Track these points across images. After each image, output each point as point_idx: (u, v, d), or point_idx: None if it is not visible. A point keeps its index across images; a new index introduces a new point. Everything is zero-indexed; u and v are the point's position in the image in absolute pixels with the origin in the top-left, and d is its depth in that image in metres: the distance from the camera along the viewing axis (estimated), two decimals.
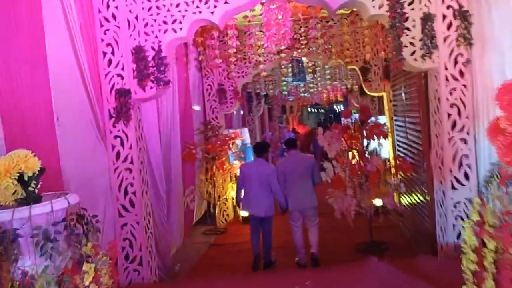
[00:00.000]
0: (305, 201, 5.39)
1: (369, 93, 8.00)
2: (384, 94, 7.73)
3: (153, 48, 4.11)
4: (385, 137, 5.34)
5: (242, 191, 5.68)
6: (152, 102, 5.19)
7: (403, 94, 6.07)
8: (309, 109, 30.19)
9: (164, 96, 6.06)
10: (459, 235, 3.93)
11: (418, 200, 5.48)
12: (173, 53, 4.37)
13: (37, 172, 2.02)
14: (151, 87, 4.11)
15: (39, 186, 2.07)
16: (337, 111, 35.69)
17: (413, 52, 4.03)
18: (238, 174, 7.57)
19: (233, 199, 7.86)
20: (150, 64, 4.10)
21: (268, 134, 13.66)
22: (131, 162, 4.15)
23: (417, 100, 5.21)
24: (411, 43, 4.03)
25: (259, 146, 5.86)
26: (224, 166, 7.44)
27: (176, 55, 6.35)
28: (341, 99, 17.39)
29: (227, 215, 8.10)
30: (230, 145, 7.53)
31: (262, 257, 5.59)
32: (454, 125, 4.00)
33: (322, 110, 35.41)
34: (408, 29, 4.02)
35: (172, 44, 4.21)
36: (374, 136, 5.37)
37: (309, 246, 5.47)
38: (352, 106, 16.37)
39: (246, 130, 9.19)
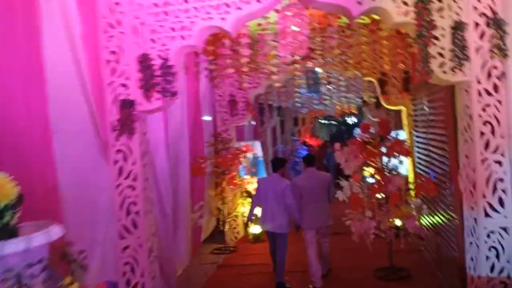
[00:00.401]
0: (320, 220, 5.43)
1: (386, 106, 7.62)
2: (403, 107, 7.36)
3: (160, 57, 3.82)
4: (408, 155, 4.96)
5: (256, 206, 5.74)
6: (159, 112, 4.90)
7: (425, 108, 5.71)
8: (321, 121, 29.86)
9: (173, 106, 5.79)
10: (492, 268, 3.54)
11: (443, 224, 5.09)
12: (181, 62, 4.08)
13: (15, 200, 1.72)
14: (157, 98, 3.81)
15: (17, 216, 1.76)
16: (350, 124, 35.33)
17: (442, 64, 3.67)
18: (248, 189, 7.28)
19: (243, 215, 7.53)
20: (156, 74, 3.81)
21: (279, 147, 13.33)
22: (135, 179, 3.85)
23: (442, 115, 4.84)
24: (440, 54, 3.67)
25: (276, 161, 5.99)
26: (235, 181, 7.11)
27: (186, 64, 6.11)
28: (355, 111, 17.03)
29: (237, 232, 7.75)
30: (241, 159, 7.21)
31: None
32: (487, 145, 3.62)
33: (334, 122, 35.05)
34: (436, 38, 3.67)
35: (180, 52, 3.92)
36: (395, 153, 5.00)
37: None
38: (367, 119, 16.01)
39: (257, 143, 8.89)
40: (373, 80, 7.48)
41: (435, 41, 3.67)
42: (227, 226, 7.40)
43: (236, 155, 7.08)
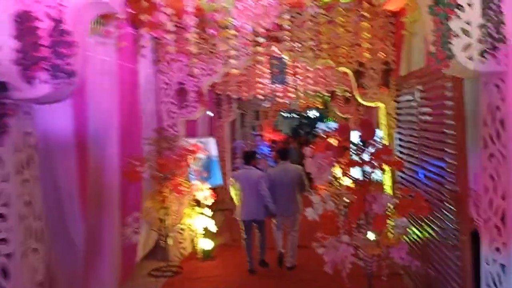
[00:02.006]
0: (290, 208, 5.87)
1: (361, 102, 6.55)
2: (380, 104, 6.31)
3: (49, 17, 2.49)
4: (400, 168, 3.85)
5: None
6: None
7: (416, 107, 4.64)
8: (284, 115, 28.90)
9: (95, 93, 4.43)
10: None
11: (437, 257, 4.05)
12: (85, 28, 2.73)
13: None
14: (44, 81, 2.48)
15: None
16: (312, 118, 34.59)
17: (468, 46, 2.56)
18: (198, 197, 6.07)
19: (191, 229, 6.26)
20: (43, 42, 2.48)
21: (239, 143, 12.10)
22: (6, 204, 2.50)
23: (445, 117, 3.77)
24: (465, 32, 2.56)
25: (247, 155, 6.36)
26: (180, 188, 5.81)
27: (120, 38, 4.76)
28: (320, 106, 16.04)
29: (184, 248, 6.47)
30: (190, 161, 5.92)
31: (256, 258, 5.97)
32: None
33: (297, 116, 34.22)
34: (460, 7, 2.55)
35: (83, 12, 2.60)
36: (382, 164, 3.88)
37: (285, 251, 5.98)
38: (333, 115, 15.04)
39: (212, 140, 7.59)
40: (348, 71, 6.37)
41: (458, 11, 2.55)
42: (170, 241, 6.10)
43: (182, 156, 5.77)
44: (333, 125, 16.55)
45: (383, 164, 3.85)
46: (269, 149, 11.74)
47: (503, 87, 2.60)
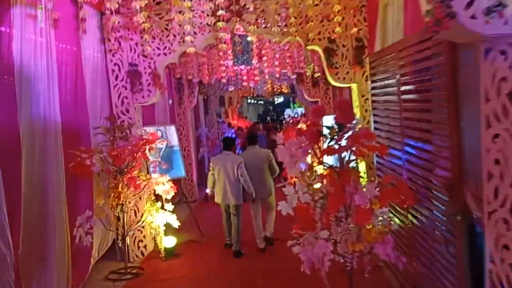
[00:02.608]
0: (263, 190, 6.03)
1: (333, 84, 6.10)
2: (353, 85, 5.89)
3: None
4: (383, 152, 3.40)
5: (213, 182, 6.08)
6: None
7: (394, 86, 4.22)
8: (249, 101, 28.42)
9: (24, 79, 3.76)
10: None
11: (425, 252, 3.68)
12: None
13: None
14: None
15: None
16: (277, 103, 34.28)
17: (471, 2, 2.11)
18: (158, 191, 5.50)
19: (151, 226, 5.67)
20: None
21: (203, 131, 11.49)
22: None
23: (432, 93, 3.36)
24: None
25: (226, 141, 6.27)
26: (137, 182, 5.20)
27: (58, 13, 4.10)
28: (286, 91, 15.61)
29: (144, 247, 5.88)
30: (146, 152, 5.30)
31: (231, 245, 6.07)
32: None
33: (262, 102, 33.81)
34: None
35: None
36: (364, 150, 3.43)
37: (264, 229, 6.15)
38: (299, 100, 14.64)
39: (172, 128, 6.97)
40: (317, 49, 5.89)
41: None
42: (129, 241, 5.51)
43: (138, 146, 5.15)
44: (300, 110, 16.19)
45: (364, 150, 3.40)
46: (236, 137, 11.19)
47: (511, 53, 2.17)
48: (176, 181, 6.90)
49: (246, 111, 25.65)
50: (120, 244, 5.30)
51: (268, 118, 24.68)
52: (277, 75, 9.62)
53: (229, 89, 10.50)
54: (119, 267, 5.44)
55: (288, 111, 19.14)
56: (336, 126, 3.74)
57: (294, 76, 10.01)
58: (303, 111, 14.81)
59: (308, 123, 8.04)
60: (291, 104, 25.79)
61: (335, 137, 3.67)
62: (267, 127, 13.94)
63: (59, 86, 4.53)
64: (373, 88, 5.05)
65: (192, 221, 7.06)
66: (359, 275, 3.77)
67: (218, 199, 6.03)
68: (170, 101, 9.03)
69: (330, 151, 3.51)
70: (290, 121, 11.89)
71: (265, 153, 6.20)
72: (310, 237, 3.56)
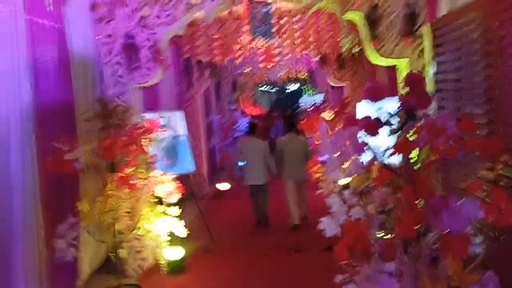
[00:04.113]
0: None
1: (377, 61, 4.96)
2: (403, 62, 4.73)
3: None
4: (496, 150, 2.29)
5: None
6: None
7: (473, 57, 3.08)
8: (261, 89, 27.28)
9: None
10: None
11: None
12: None
13: None
14: None
15: None
16: (289, 92, 33.03)
17: None
18: (159, 193, 4.46)
19: (150, 235, 4.63)
20: None
21: (215, 118, 10.44)
22: None
23: None
24: None
25: (252, 126, 7.04)
26: (133, 181, 4.15)
27: None
28: (303, 76, 14.40)
29: (143, 259, 4.84)
30: (144, 143, 4.24)
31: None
32: None
33: (273, 90, 32.61)
34: None
35: None
36: (454, 147, 2.31)
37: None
38: (319, 85, 13.44)
39: (178, 115, 5.89)
40: (356, 17, 4.76)
41: None
42: (123, 253, 4.49)
43: (133, 137, 4.09)
44: (318, 98, 15.00)
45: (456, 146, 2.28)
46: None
47: None
48: (184, 176, 5.91)
49: (258, 99, 24.52)
50: (113, 258, 4.30)
51: (282, 107, 23.49)
52: (298, 56, 8.46)
53: (244, 70, 9.38)
54: (113, 285, 4.44)
55: (305, 99, 17.96)
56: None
57: (315, 59, 8.83)
58: (323, 98, 13.64)
59: (338, 110, 6.94)
60: (305, 92, 24.57)
61: (404, 127, 2.60)
62: (285, 116, 12.86)
63: (33, 60, 3.50)
64: (439, 64, 3.89)
65: (202, 223, 6.04)
66: None
67: (247, 180, 6.67)
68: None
69: (406, 146, 2.41)
70: (310, 109, 10.77)
71: (302, 140, 6.79)
72: (371, 272, 2.48)
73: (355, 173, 2.59)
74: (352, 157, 2.57)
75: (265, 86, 26.24)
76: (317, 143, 8.18)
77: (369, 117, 2.62)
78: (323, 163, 8.22)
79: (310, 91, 21.92)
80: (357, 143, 2.54)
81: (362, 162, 2.58)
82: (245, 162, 6.64)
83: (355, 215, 2.67)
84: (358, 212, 2.67)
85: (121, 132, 4.16)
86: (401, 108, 2.63)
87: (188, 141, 6.01)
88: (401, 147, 2.43)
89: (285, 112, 15.87)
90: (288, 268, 4.88)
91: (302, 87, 24.79)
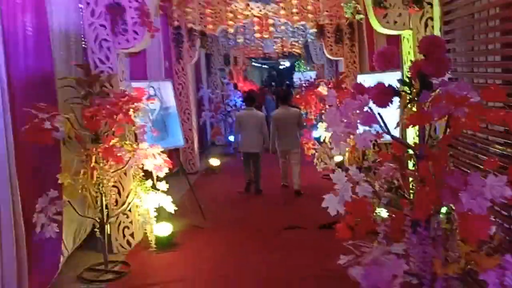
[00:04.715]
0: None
1: (380, 30, 4.66)
2: (407, 32, 4.45)
3: None
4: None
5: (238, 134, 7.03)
6: None
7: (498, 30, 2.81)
8: (254, 64, 26.83)
9: None
10: None
11: None
12: None
13: None
14: None
15: None
16: (281, 69, 32.59)
17: None
18: (147, 166, 4.21)
19: (137, 208, 4.38)
20: None
21: (206, 92, 10.10)
22: None
23: None
24: None
25: (248, 98, 7.23)
26: (119, 154, 3.87)
27: None
28: (298, 50, 14.08)
29: (131, 235, 4.62)
30: (132, 113, 3.94)
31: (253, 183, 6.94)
32: None
33: (266, 66, 32.17)
34: None
35: None
36: (474, 120, 2.07)
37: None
38: (315, 60, 13.11)
39: (168, 84, 5.56)
40: None
41: None
42: (109, 229, 4.25)
43: (118, 106, 3.78)
44: (312, 74, 14.70)
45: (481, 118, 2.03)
46: (242, 100, 9.86)
47: None
48: (173, 151, 5.65)
49: (250, 75, 24.11)
50: (98, 234, 4.05)
51: (274, 84, 23.12)
52: (293, 28, 8.12)
53: (238, 40, 8.95)
54: (97, 263, 4.21)
55: (298, 75, 17.64)
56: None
57: (312, 30, 8.48)
58: (316, 75, 13.37)
59: (337, 84, 6.67)
60: (297, 69, 24.18)
61: (419, 97, 2.35)
62: (278, 92, 12.58)
63: (2, 19, 3.15)
64: (446, 33, 3.61)
65: (192, 199, 5.82)
66: None
67: (241, 148, 6.87)
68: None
69: (422, 117, 2.17)
70: (305, 85, 10.50)
71: (295, 111, 6.94)
72: (378, 254, 2.27)
73: (364, 147, 2.34)
74: (361, 130, 2.33)
75: (257, 61, 25.80)
76: (312, 118, 7.97)
77: (382, 83, 2.37)
78: (318, 140, 8.03)
79: (303, 67, 21.58)
80: (367, 115, 2.28)
81: (372, 135, 2.33)
82: (241, 133, 6.77)
83: (362, 193, 2.43)
84: (365, 189, 2.43)
85: (105, 100, 3.84)
86: (414, 76, 2.38)
87: (178, 113, 5.71)
88: (416, 119, 2.19)
89: (278, 88, 15.59)
90: (284, 245, 4.68)
91: (295, 63, 24.42)
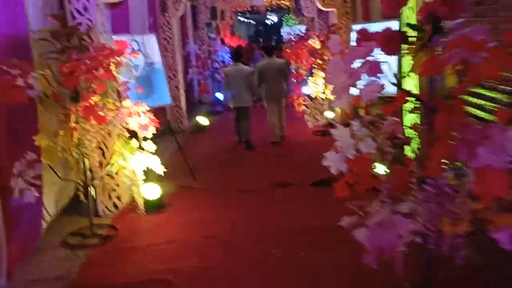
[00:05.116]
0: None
1: None
2: None
3: None
4: None
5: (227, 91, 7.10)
6: None
7: None
8: (240, 19, 26.05)
9: None
10: None
11: None
12: None
13: None
14: None
15: None
16: (269, 24, 31.75)
17: None
18: (132, 126, 3.98)
19: (123, 170, 4.17)
20: None
21: (192, 48, 9.68)
22: None
23: None
24: None
25: (236, 53, 7.25)
26: (101, 113, 3.60)
27: None
28: (287, 2, 13.52)
29: (118, 197, 4.43)
30: (113, 68, 3.65)
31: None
32: None
33: (253, 22, 31.34)
34: None
35: None
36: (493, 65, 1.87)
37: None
38: (305, 13, 12.61)
39: (151, 38, 5.21)
40: None
41: None
42: (93, 193, 4.04)
43: (99, 59, 3.48)
44: (301, 28, 14.21)
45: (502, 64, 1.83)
46: (230, 56, 9.50)
47: None
48: (159, 110, 5.39)
49: (237, 31, 23.42)
50: (82, 198, 3.87)
51: (261, 39, 22.51)
52: None
53: None
54: (82, 227, 4.05)
55: (286, 30, 17.10)
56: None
57: None
58: (306, 29, 12.90)
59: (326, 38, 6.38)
60: (286, 23, 23.49)
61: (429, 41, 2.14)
62: (266, 47, 12.13)
63: None
64: None
65: (181, 160, 5.63)
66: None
67: (232, 103, 6.90)
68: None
69: (435, 65, 1.95)
70: (295, 39, 10.11)
71: (282, 62, 7.04)
72: (386, 214, 2.12)
73: (369, 100, 2.13)
74: (365, 81, 2.12)
75: (244, 16, 25.00)
76: (304, 72, 7.71)
77: (389, 28, 2.14)
78: (308, 95, 7.81)
79: (292, 22, 20.93)
80: (373, 64, 2.06)
81: (379, 86, 2.12)
82: (231, 89, 6.81)
83: (366, 149, 2.25)
84: (369, 145, 2.25)
85: (84, 55, 3.54)
86: (424, 19, 2.15)
87: (163, 70, 5.40)
88: (428, 67, 1.98)
89: (266, 42, 15.13)
90: (276, 203, 4.58)
91: (283, 17, 23.71)
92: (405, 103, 2.31)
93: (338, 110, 7.94)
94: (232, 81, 6.75)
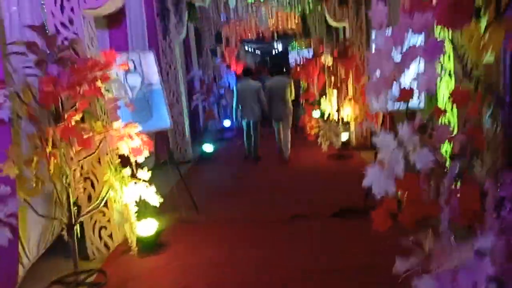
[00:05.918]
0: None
1: None
2: None
3: None
4: None
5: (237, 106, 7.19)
6: None
7: None
8: (246, 48, 25.92)
9: None
10: None
11: None
12: None
13: None
14: None
15: None
16: (274, 54, 31.65)
17: None
18: (124, 151, 3.41)
19: (114, 202, 3.57)
20: None
21: (197, 73, 9.24)
22: None
23: None
24: None
25: (246, 70, 7.47)
26: (87, 136, 3.05)
27: None
28: (294, 26, 13.19)
29: (110, 236, 3.81)
30: (101, 85, 3.12)
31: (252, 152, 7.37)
32: None
33: (259, 52, 31.30)
34: None
35: None
36: None
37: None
38: (300, 44, 12.26)
39: (150, 55, 4.69)
40: None
41: None
42: (80, 231, 3.44)
43: (83, 73, 2.96)
44: (307, 52, 13.85)
45: None
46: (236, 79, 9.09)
47: None
48: (160, 138, 4.87)
49: (243, 59, 23.21)
50: (66, 238, 3.26)
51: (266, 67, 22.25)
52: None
53: (231, 6, 8.06)
54: (66, 275, 3.41)
55: (293, 55, 16.76)
56: None
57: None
58: (313, 50, 12.51)
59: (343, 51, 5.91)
60: (292, 49, 23.23)
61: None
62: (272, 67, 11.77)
63: None
64: None
65: (184, 191, 5.00)
66: None
67: (243, 117, 7.11)
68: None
69: None
70: (301, 64, 9.63)
71: (285, 81, 7.09)
72: (464, 254, 1.51)
73: (425, 92, 1.56)
74: (421, 67, 1.55)
75: (250, 45, 24.87)
76: (315, 92, 7.24)
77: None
78: (321, 116, 7.29)
79: (299, 46, 20.61)
80: (432, 42, 1.50)
81: (437, 74, 1.55)
82: (241, 104, 7.00)
83: (421, 163, 1.65)
84: (425, 157, 1.65)
85: (66, 68, 3.03)
86: None
87: (163, 91, 4.88)
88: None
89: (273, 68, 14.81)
90: (290, 239, 3.91)
91: (290, 44, 23.50)
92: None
93: (353, 130, 7.37)
94: (242, 96, 6.96)
